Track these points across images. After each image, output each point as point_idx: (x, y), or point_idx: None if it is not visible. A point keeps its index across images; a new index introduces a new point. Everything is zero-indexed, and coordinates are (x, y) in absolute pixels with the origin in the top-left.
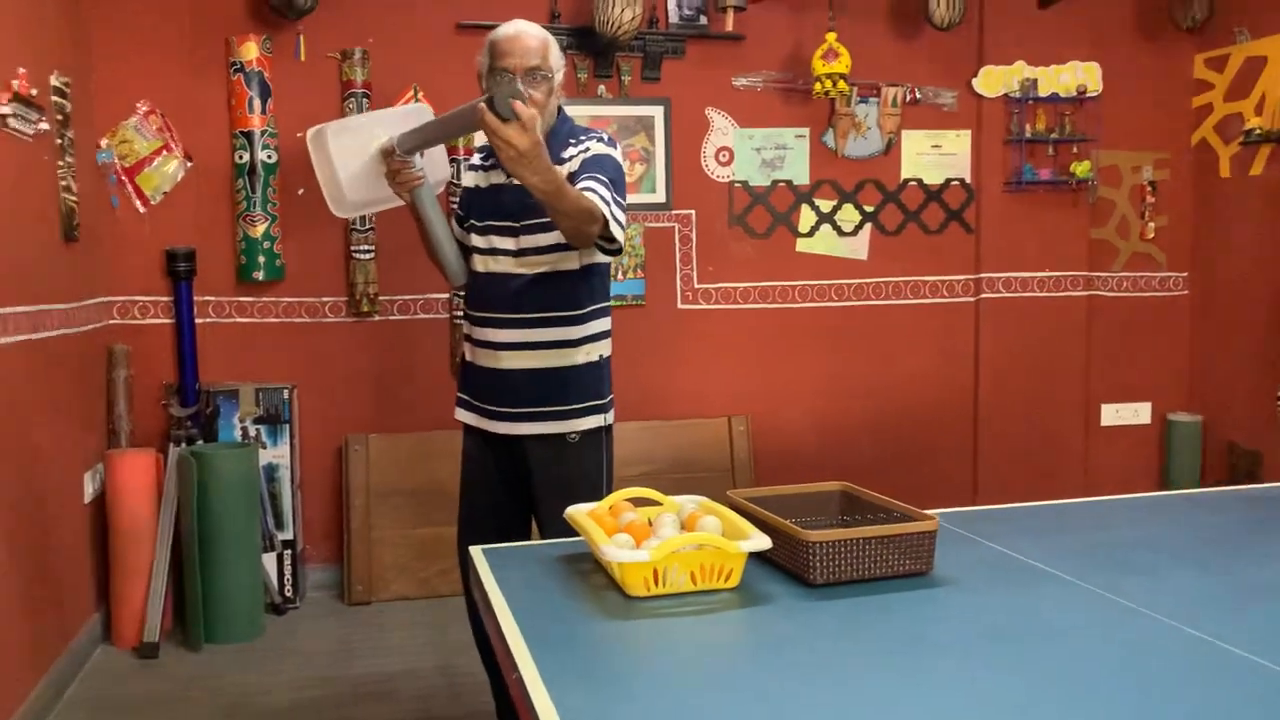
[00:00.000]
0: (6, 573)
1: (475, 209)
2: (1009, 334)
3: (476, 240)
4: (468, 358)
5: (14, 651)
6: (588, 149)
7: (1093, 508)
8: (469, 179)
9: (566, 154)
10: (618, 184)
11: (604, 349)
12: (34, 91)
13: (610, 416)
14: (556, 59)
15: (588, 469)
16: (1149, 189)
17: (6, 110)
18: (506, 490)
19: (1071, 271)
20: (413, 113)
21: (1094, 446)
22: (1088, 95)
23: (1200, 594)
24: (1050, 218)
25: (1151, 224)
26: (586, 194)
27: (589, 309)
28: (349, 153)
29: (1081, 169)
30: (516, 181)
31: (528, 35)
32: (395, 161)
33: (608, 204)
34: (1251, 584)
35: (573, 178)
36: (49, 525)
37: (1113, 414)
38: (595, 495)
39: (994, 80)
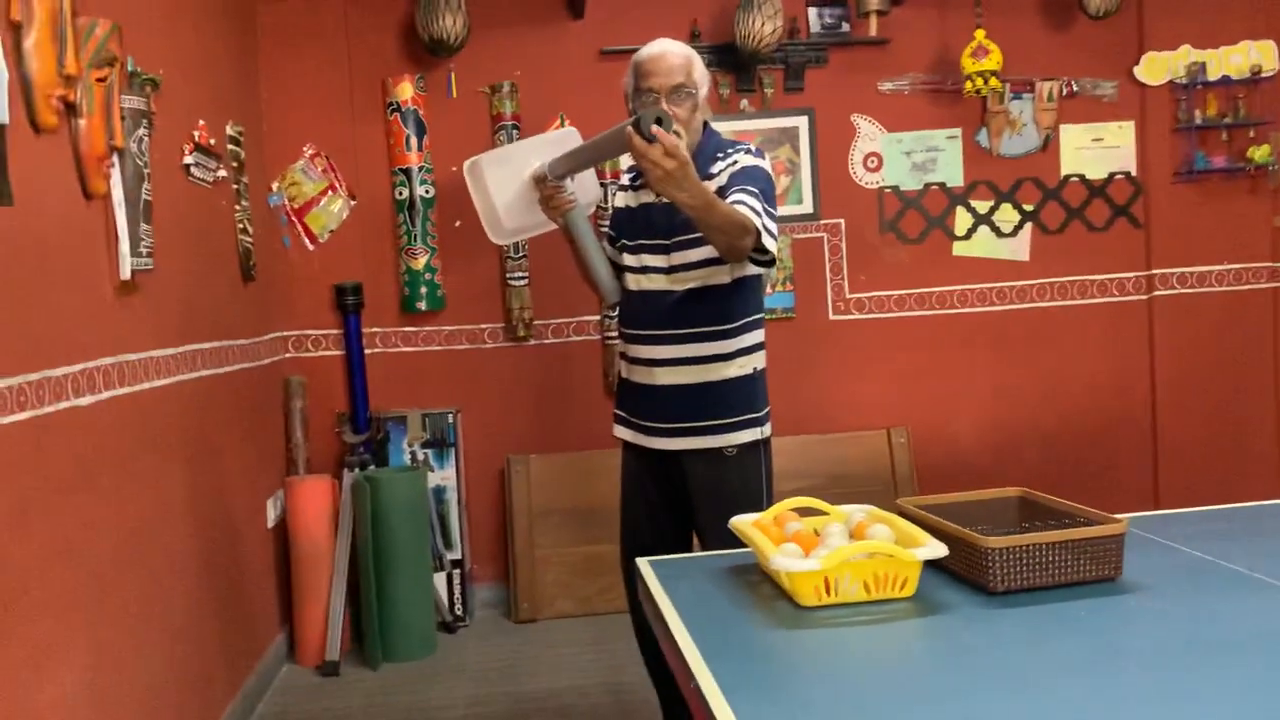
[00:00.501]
0: (203, 594)
1: (626, 229)
2: (1187, 332)
3: (629, 259)
4: (624, 375)
5: (212, 669)
6: (735, 161)
7: None
8: (619, 199)
9: (715, 169)
10: (768, 195)
11: (758, 361)
12: (212, 141)
13: (768, 429)
14: (700, 75)
15: (746, 482)
16: None
17: (190, 160)
18: (666, 505)
19: (1255, 263)
20: (562, 137)
21: None
22: (1263, 75)
23: None
24: (1228, 207)
25: None
26: (738, 207)
27: (741, 322)
28: (504, 182)
29: (1260, 153)
30: (665, 199)
31: (671, 54)
32: (548, 187)
33: (758, 215)
34: None
35: (721, 191)
36: (237, 549)
37: None
38: (755, 508)
39: (1158, 67)
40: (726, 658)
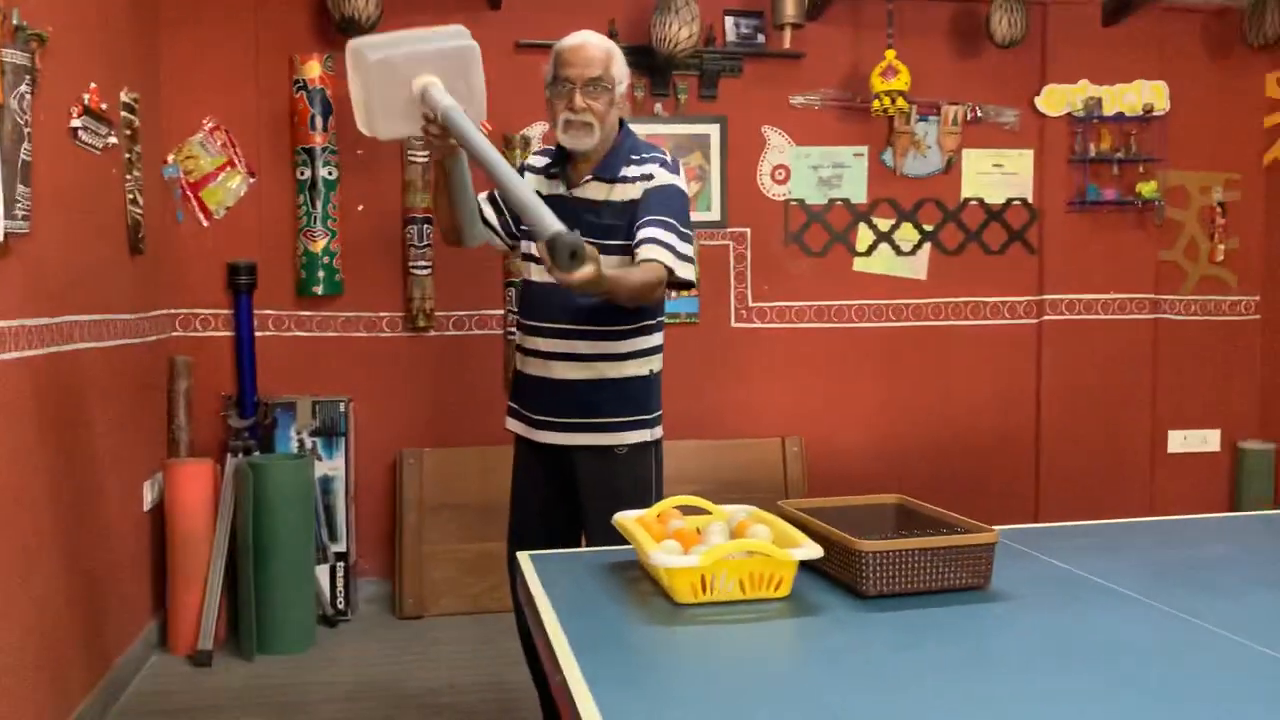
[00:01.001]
0: (67, 576)
1: None
2: (1072, 357)
3: (534, 248)
4: (518, 366)
5: (72, 653)
6: (652, 177)
7: (1160, 526)
8: (529, 179)
9: (629, 172)
10: (682, 219)
11: (655, 364)
12: (104, 106)
13: (659, 431)
14: (619, 71)
15: (636, 482)
16: (1219, 210)
17: (78, 124)
18: (555, 500)
19: (1138, 294)
20: (457, 51)
21: (1160, 474)
22: (1154, 114)
23: (1276, 613)
24: (1116, 239)
25: (1222, 246)
26: (649, 252)
27: (642, 323)
28: (386, 84)
29: (1148, 189)
30: (574, 194)
31: (591, 45)
32: (433, 128)
33: (673, 253)
34: None
35: (634, 205)
36: (109, 531)
37: (1180, 440)
38: (643, 507)
39: (1057, 99)
40: (597, 652)
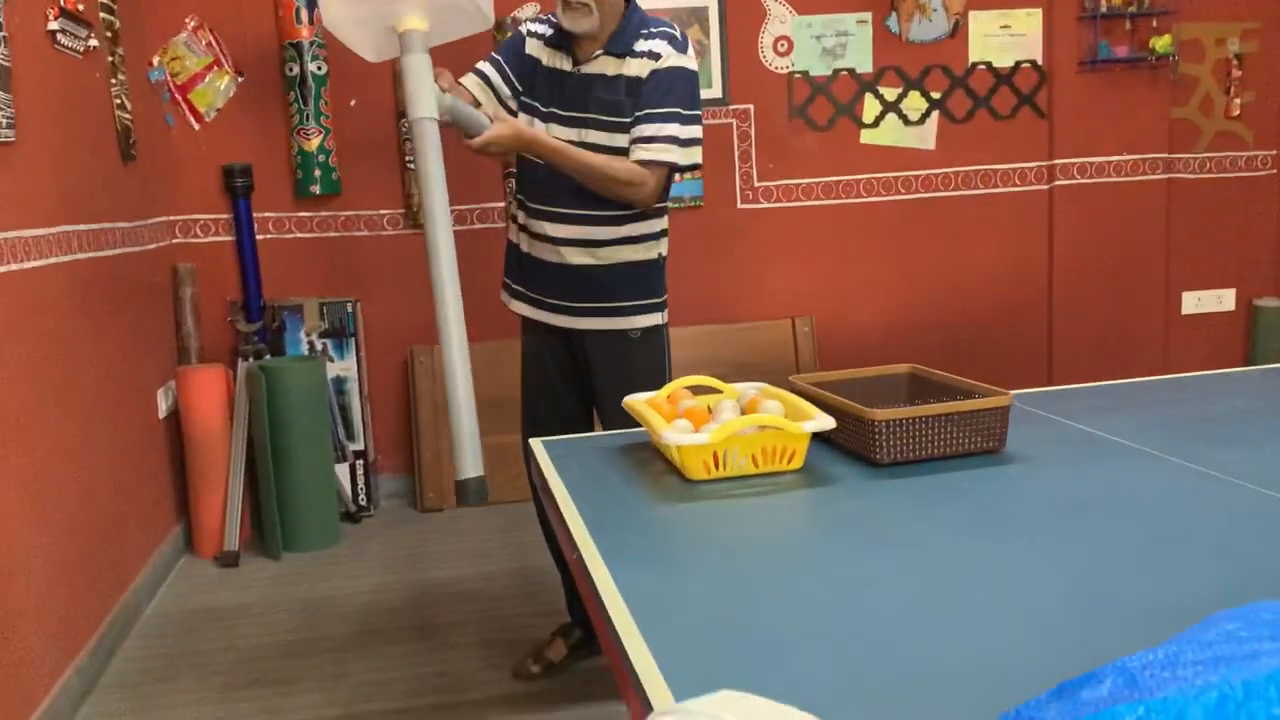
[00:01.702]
0: (93, 486)
1: (538, 88)
2: (1084, 222)
3: (536, 124)
4: (523, 248)
5: (104, 561)
6: (659, 56)
7: (1174, 383)
8: (532, 47)
9: (639, 46)
10: (688, 101)
11: (663, 247)
12: (81, 7)
13: (667, 315)
14: None
15: (649, 364)
16: (1235, 62)
17: (55, 26)
18: (567, 384)
19: (1151, 154)
20: None
21: (1175, 336)
22: None
23: None
24: (1128, 98)
25: (1237, 100)
26: (642, 150)
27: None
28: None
29: (1162, 44)
30: (584, 70)
31: None
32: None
33: (677, 143)
34: None
35: (637, 82)
36: (127, 440)
37: (1194, 301)
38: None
39: None
40: (612, 530)
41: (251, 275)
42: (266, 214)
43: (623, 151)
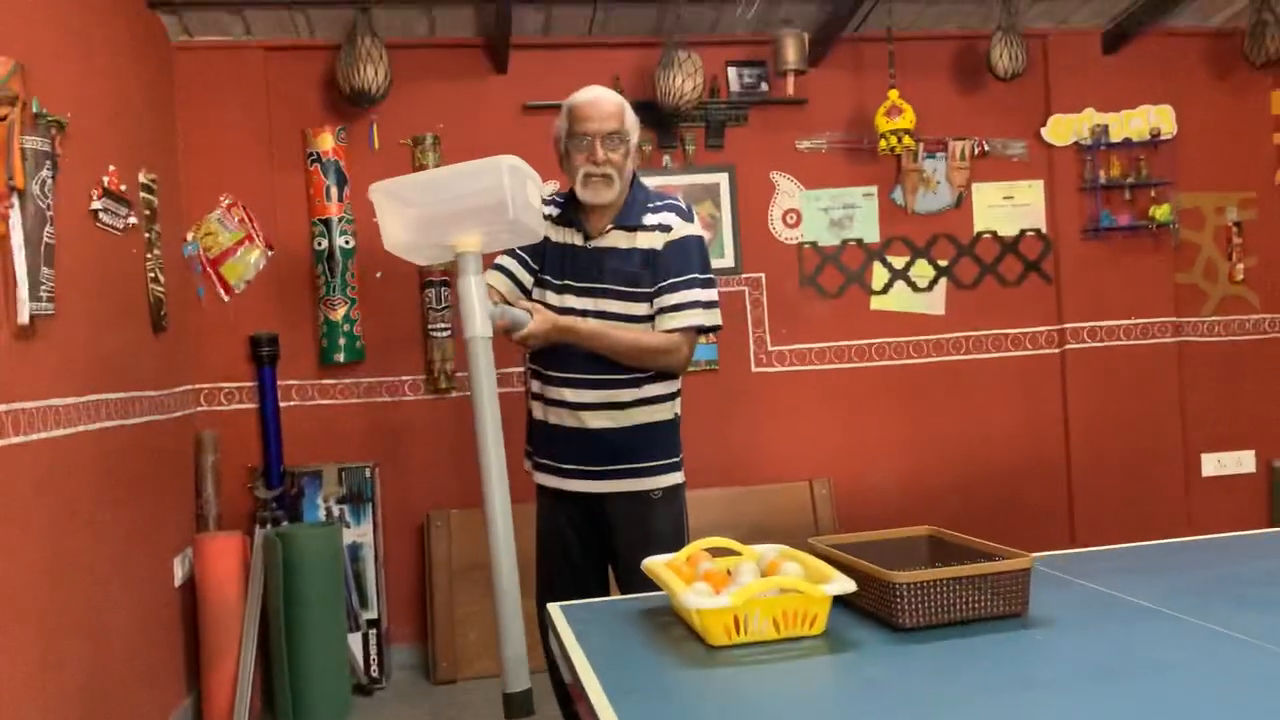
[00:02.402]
0: (103, 655)
1: (549, 264)
2: (1097, 384)
3: (550, 297)
4: (538, 416)
5: None
6: (670, 228)
7: (1198, 545)
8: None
9: (648, 219)
10: (704, 266)
11: (678, 407)
12: (123, 187)
13: (683, 474)
14: (632, 122)
15: (672, 524)
16: (1234, 229)
17: (98, 205)
18: (584, 550)
19: (1159, 318)
20: (488, 196)
21: (1196, 499)
22: (1162, 138)
23: None
24: (1133, 264)
25: (1240, 265)
26: (670, 319)
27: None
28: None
29: (1161, 213)
30: (595, 245)
31: (606, 100)
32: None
33: (702, 307)
34: None
35: (654, 255)
36: (142, 609)
37: (1214, 464)
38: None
39: (1063, 128)
40: (634, 699)
41: (273, 442)
42: (290, 381)
43: (641, 319)
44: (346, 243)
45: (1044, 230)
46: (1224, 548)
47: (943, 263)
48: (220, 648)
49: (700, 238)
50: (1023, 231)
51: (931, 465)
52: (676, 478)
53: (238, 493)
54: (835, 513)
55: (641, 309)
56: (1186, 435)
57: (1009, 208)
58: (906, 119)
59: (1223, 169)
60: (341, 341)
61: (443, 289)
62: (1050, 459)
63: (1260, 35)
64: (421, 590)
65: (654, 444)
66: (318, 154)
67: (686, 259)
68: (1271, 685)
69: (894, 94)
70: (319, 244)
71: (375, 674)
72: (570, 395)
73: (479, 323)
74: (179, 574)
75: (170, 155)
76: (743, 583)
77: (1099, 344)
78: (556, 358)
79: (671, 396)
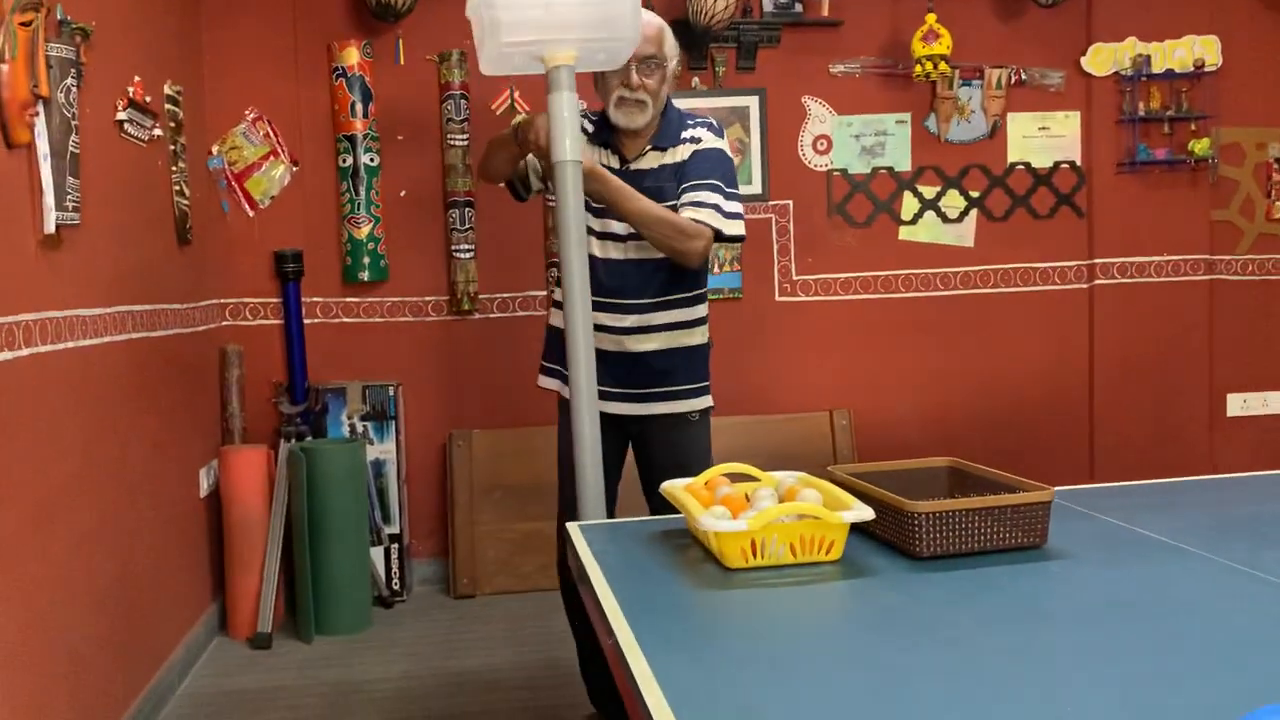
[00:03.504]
0: (131, 562)
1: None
2: (1125, 322)
3: (591, 221)
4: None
5: (139, 638)
6: (699, 140)
7: (1218, 484)
8: (583, 151)
9: (683, 135)
10: (728, 179)
11: (708, 332)
12: (148, 99)
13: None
14: (671, 47)
15: (705, 445)
16: (1276, 166)
17: (123, 116)
18: (611, 470)
19: (1192, 255)
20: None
21: (1219, 439)
22: (1206, 70)
23: None
24: (1168, 199)
25: (1279, 203)
26: (691, 212)
27: (702, 290)
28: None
29: (1201, 147)
30: (634, 167)
31: (647, 23)
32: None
33: (720, 212)
34: None
35: (681, 167)
36: (168, 518)
37: (1239, 404)
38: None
39: (1104, 58)
40: (649, 616)
41: (298, 358)
42: (315, 299)
43: None
44: (371, 160)
45: (1078, 163)
46: (1245, 486)
47: (974, 194)
48: (244, 557)
49: (727, 153)
50: (1057, 164)
51: (954, 399)
52: (709, 400)
53: (263, 408)
54: (855, 443)
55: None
56: (1213, 374)
57: (1044, 138)
58: (943, 44)
59: (1267, 102)
60: (366, 260)
61: (466, 209)
62: (1074, 396)
63: None
64: (443, 507)
65: (691, 367)
66: (343, 69)
67: (711, 166)
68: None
69: (931, 18)
70: (344, 160)
71: (396, 587)
72: (609, 319)
73: (568, 146)
74: (205, 485)
75: (195, 67)
76: (761, 508)
77: (1129, 280)
78: (601, 282)
79: (703, 321)
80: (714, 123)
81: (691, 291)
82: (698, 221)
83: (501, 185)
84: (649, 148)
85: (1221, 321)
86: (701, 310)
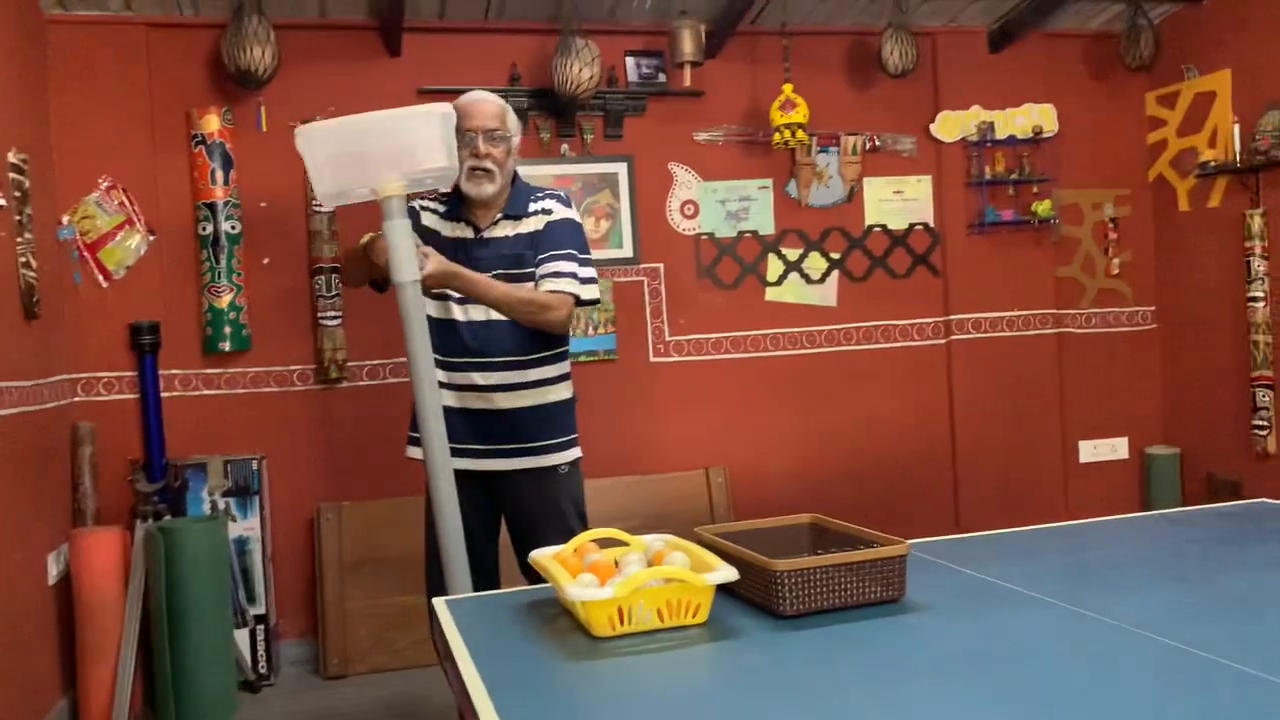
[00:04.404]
0: None
1: (445, 257)
2: (981, 374)
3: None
4: (449, 403)
5: None
6: (550, 211)
7: (1070, 531)
8: (429, 220)
9: (533, 207)
10: (581, 246)
11: (572, 387)
12: None
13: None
14: (513, 124)
15: (575, 498)
16: (1111, 225)
17: None
18: (485, 533)
19: (1040, 310)
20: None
21: (1074, 484)
22: (1044, 136)
23: (1178, 606)
24: (1016, 257)
25: (1116, 260)
26: (549, 284)
27: (563, 348)
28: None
29: (1043, 208)
30: (486, 235)
31: (487, 101)
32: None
33: (577, 280)
34: (1230, 593)
35: (535, 236)
36: (13, 608)
37: (1090, 450)
38: (582, 521)
39: (951, 125)
40: (515, 693)
41: (155, 433)
42: (174, 371)
43: None
44: (233, 228)
45: (932, 224)
46: (1093, 532)
47: (835, 255)
48: (98, 647)
49: (578, 223)
50: (912, 225)
51: (824, 453)
52: (578, 452)
53: (118, 486)
54: (731, 500)
55: (528, 287)
56: (1065, 423)
57: (899, 202)
58: (800, 113)
59: (1100, 167)
60: (227, 330)
61: (332, 276)
62: (937, 446)
63: (1135, 39)
64: (312, 585)
65: (558, 421)
66: (203, 136)
67: (565, 236)
68: (1131, 666)
69: (788, 88)
70: (204, 229)
71: (264, 670)
72: (479, 378)
73: (407, 267)
74: (54, 571)
75: (43, 134)
76: (628, 573)
77: (983, 335)
78: (461, 343)
79: (567, 376)
80: (562, 194)
81: (555, 349)
82: (559, 292)
83: (365, 286)
84: (500, 216)
85: (1070, 372)
86: (565, 366)
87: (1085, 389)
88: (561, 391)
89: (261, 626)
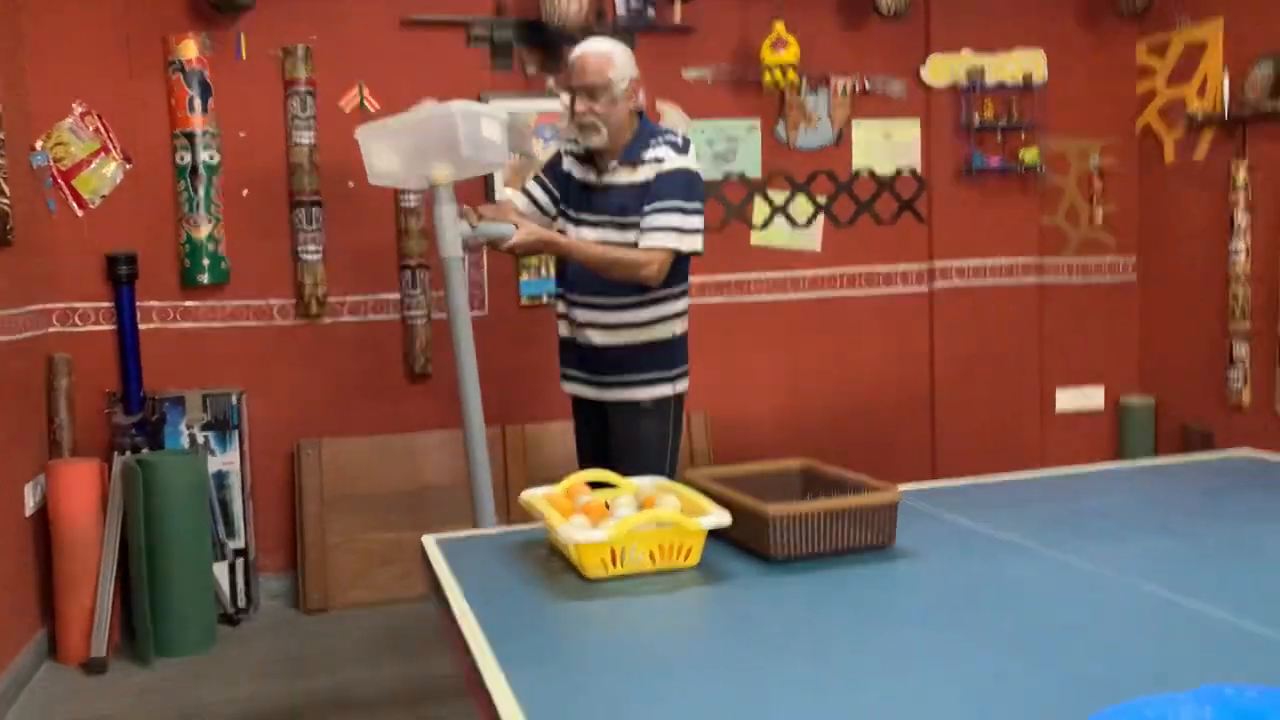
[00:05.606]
0: None
1: (570, 198)
2: (963, 322)
3: (569, 227)
4: (561, 333)
5: None
6: (662, 160)
7: (1051, 481)
8: (568, 163)
9: (647, 154)
10: (687, 195)
11: (677, 327)
12: None
13: (680, 385)
14: (618, 72)
15: (659, 433)
16: (1096, 175)
17: None
18: (591, 450)
19: (1023, 258)
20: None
21: (1049, 432)
22: (1034, 83)
23: (1162, 554)
24: (1001, 205)
25: (1100, 210)
26: (648, 238)
27: (663, 293)
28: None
29: (1030, 156)
30: (605, 180)
31: (585, 56)
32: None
33: (678, 232)
34: (1212, 543)
35: (646, 185)
36: None
37: (1067, 399)
38: (662, 458)
39: (942, 69)
40: (508, 633)
41: (132, 366)
42: (151, 303)
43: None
44: (211, 158)
45: (919, 170)
46: (1077, 481)
47: (821, 199)
48: (76, 579)
49: (690, 170)
50: (899, 170)
51: (807, 398)
52: (665, 390)
53: (95, 419)
54: (712, 444)
55: (634, 235)
56: (1043, 371)
57: (887, 146)
58: (791, 53)
59: (1088, 116)
60: (205, 262)
61: (314, 209)
62: (917, 393)
63: None
64: (291, 520)
65: (645, 359)
66: (180, 63)
67: (672, 187)
68: (1111, 608)
69: (779, 26)
70: (181, 158)
71: (243, 604)
72: (580, 315)
73: (452, 245)
74: (30, 502)
75: (13, 59)
76: (620, 516)
77: (966, 282)
78: (572, 283)
79: (665, 319)
80: (678, 139)
81: (648, 294)
82: (653, 248)
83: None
84: (616, 163)
85: (1050, 321)
86: (663, 309)
87: (1064, 338)
88: (653, 333)
89: (241, 560)
